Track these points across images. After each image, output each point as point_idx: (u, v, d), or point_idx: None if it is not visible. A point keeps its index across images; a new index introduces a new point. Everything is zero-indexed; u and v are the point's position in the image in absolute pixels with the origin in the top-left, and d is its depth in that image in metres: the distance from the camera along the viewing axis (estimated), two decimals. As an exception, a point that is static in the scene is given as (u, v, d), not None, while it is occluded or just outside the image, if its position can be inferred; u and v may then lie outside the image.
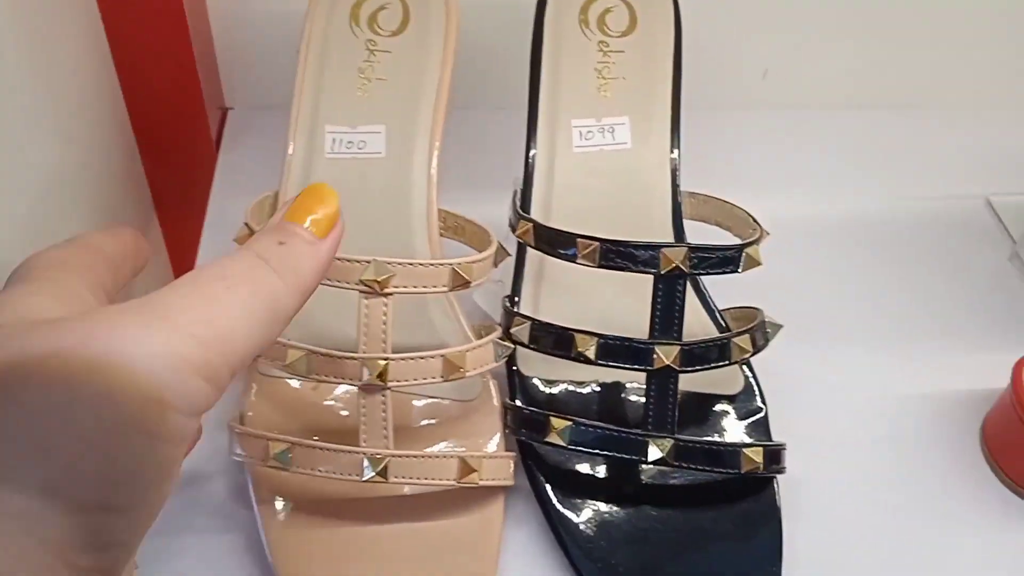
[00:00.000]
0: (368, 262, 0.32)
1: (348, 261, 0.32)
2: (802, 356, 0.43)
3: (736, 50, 0.56)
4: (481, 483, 0.34)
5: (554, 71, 0.41)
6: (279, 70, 0.54)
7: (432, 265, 0.33)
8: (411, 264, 0.32)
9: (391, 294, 0.32)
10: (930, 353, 0.45)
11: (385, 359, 0.32)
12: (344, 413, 0.37)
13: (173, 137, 0.53)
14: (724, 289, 0.41)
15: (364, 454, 0.32)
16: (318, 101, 0.40)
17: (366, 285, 0.32)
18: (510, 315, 0.38)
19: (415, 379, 0.33)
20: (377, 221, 0.39)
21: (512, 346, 0.36)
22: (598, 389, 0.39)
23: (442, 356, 0.33)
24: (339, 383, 0.33)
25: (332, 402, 0.37)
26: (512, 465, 0.36)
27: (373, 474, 0.32)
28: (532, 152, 0.41)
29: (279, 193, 0.40)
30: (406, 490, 0.34)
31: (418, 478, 0.33)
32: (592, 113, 0.41)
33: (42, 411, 0.18)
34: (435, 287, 0.33)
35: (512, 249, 0.40)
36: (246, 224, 0.36)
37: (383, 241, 0.38)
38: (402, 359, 0.32)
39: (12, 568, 0.17)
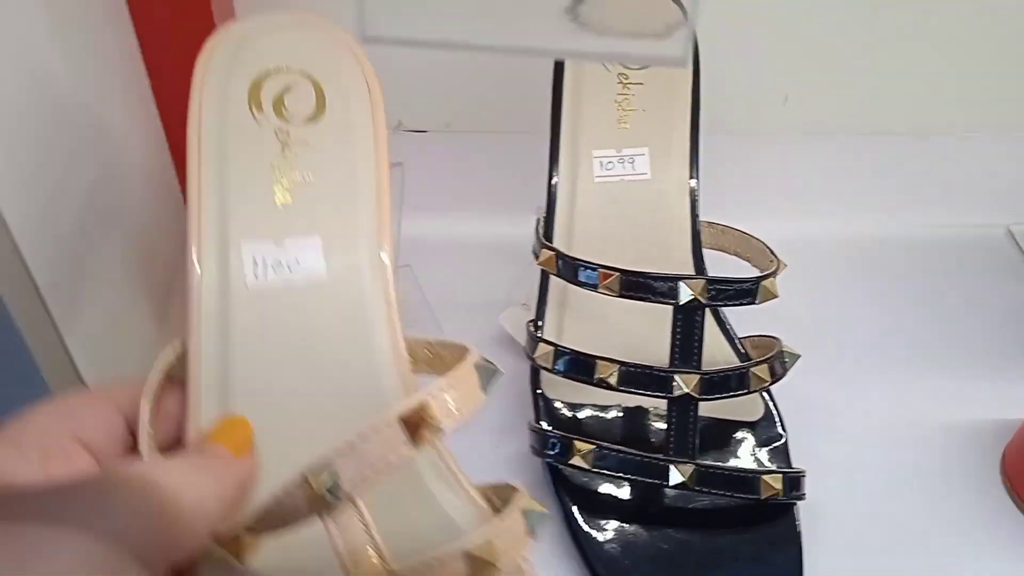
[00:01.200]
0: (300, 484, 0.24)
1: (285, 496, 0.24)
2: (822, 382, 0.43)
3: (757, 76, 0.57)
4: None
5: (575, 103, 0.43)
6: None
7: (379, 434, 0.24)
8: (347, 445, 0.24)
9: (351, 496, 0.24)
10: (950, 381, 0.46)
11: None
12: None
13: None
14: (744, 314, 0.42)
15: None
16: (225, 210, 0.30)
17: (318, 505, 0.24)
18: (534, 340, 0.39)
19: None
20: (329, 368, 0.30)
21: (545, 511, 0.29)
22: (621, 413, 0.40)
23: (464, 552, 0.24)
24: None
25: None
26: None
27: None
28: (555, 180, 0.42)
29: (185, 342, 0.30)
30: None
31: None
32: (612, 144, 0.42)
33: None
34: (393, 456, 0.24)
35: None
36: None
37: (342, 398, 0.29)
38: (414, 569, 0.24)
39: None
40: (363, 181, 0.31)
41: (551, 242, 0.41)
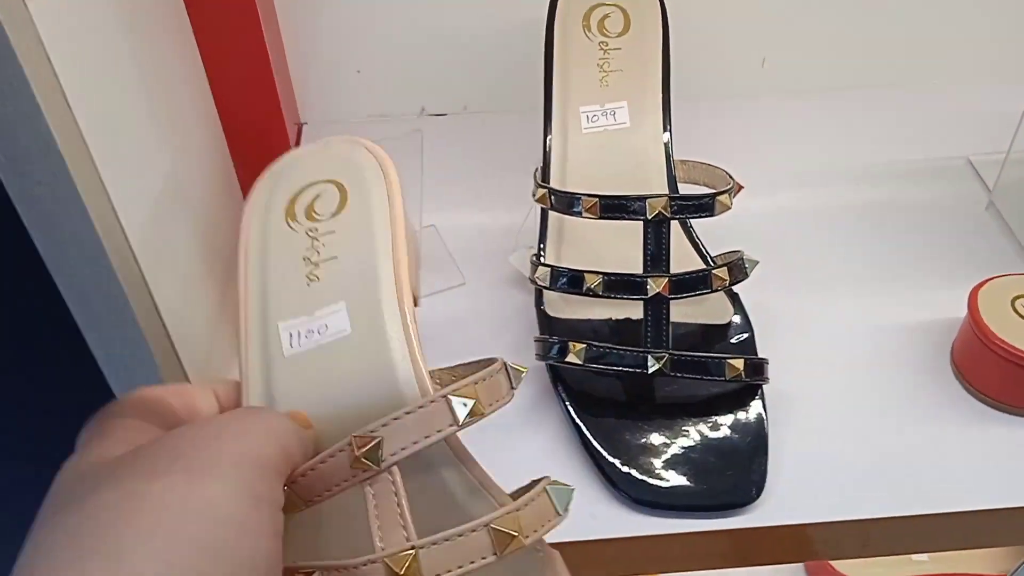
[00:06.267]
0: (345, 446, 0.28)
1: (330, 457, 0.28)
2: (793, 295, 0.50)
3: (735, 42, 0.64)
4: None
5: (563, 68, 0.50)
6: (341, 92, 0.65)
7: (421, 407, 0.28)
8: (396, 419, 0.28)
9: (391, 465, 0.28)
10: (910, 289, 0.52)
11: (412, 549, 0.27)
12: None
13: (260, 149, 0.64)
14: (730, 244, 0.48)
15: None
16: (265, 302, 0.35)
17: (359, 468, 0.28)
18: (535, 266, 0.47)
19: (459, 567, 0.27)
20: (359, 410, 0.32)
21: (570, 487, 0.30)
22: (612, 323, 0.47)
23: (487, 526, 0.27)
24: None
25: None
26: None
27: None
28: (549, 137, 0.50)
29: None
30: None
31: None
32: (596, 100, 0.50)
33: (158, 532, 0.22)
34: (439, 430, 0.28)
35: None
36: None
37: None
38: (434, 543, 0.27)
39: None
40: (382, 250, 0.34)
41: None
